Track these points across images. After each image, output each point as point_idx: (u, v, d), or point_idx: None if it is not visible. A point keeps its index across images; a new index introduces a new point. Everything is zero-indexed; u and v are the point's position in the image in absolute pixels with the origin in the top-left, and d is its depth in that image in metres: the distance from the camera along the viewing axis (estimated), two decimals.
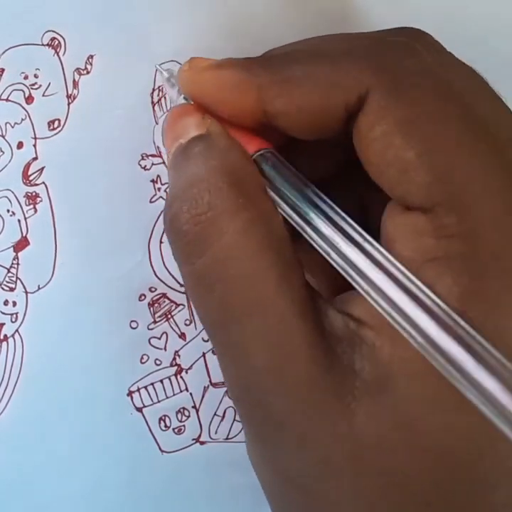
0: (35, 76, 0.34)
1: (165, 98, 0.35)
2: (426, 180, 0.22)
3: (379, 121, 0.23)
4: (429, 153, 0.22)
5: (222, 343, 0.25)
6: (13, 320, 0.35)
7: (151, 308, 0.35)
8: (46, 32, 0.34)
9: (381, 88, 0.23)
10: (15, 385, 0.35)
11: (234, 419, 0.35)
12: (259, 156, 0.26)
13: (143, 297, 0.35)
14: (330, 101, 0.24)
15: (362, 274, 0.22)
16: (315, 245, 0.24)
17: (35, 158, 0.35)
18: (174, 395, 0.35)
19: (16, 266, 0.35)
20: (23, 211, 0.35)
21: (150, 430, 0.35)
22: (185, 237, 0.24)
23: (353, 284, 0.23)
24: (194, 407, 0.35)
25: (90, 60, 0.34)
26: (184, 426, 0.35)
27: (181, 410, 0.35)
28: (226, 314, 0.24)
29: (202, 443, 0.35)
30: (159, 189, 0.35)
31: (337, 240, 0.23)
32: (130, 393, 0.35)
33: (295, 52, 0.26)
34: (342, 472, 0.22)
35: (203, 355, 0.35)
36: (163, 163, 0.35)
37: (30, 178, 0.35)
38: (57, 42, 0.34)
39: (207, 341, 0.35)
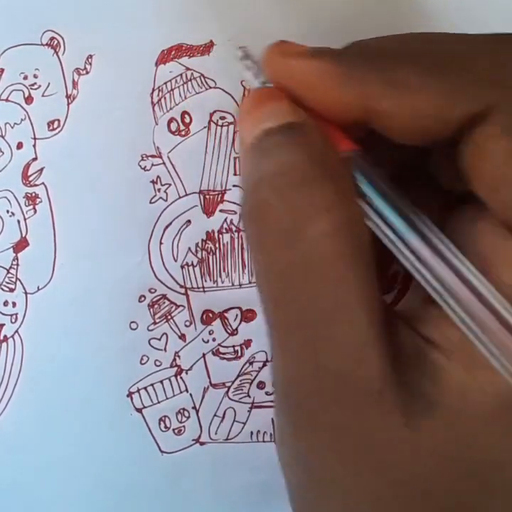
0: (35, 76, 0.34)
1: (165, 98, 0.35)
2: None
3: (505, 138, 0.22)
4: None
5: (289, 342, 0.24)
6: (13, 321, 0.35)
7: (151, 310, 0.35)
8: (45, 32, 0.34)
9: (509, 104, 0.22)
10: (15, 386, 0.35)
11: (234, 420, 0.35)
12: (348, 157, 0.24)
13: (143, 298, 0.35)
14: (449, 112, 0.22)
15: (458, 299, 0.21)
16: (401, 258, 0.23)
17: (35, 159, 0.35)
18: (174, 395, 0.35)
19: (15, 267, 0.35)
20: (22, 212, 0.35)
21: (150, 431, 0.35)
22: (274, 225, 0.23)
23: (444, 307, 0.22)
24: (194, 407, 0.35)
25: (89, 60, 0.34)
26: (184, 427, 0.35)
27: (181, 411, 0.35)
28: (301, 314, 0.23)
29: (202, 444, 0.35)
30: (159, 190, 0.35)
31: (432, 262, 0.22)
32: (130, 394, 0.35)
33: (404, 52, 0.24)
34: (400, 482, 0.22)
35: (203, 356, 0.35)
36: (163, 164, 0.35)
37: (30, 178, 0.35)
38: (56, 42, 0.34)
39: (207, 342, 0.35)
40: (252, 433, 0.35)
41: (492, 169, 0.22)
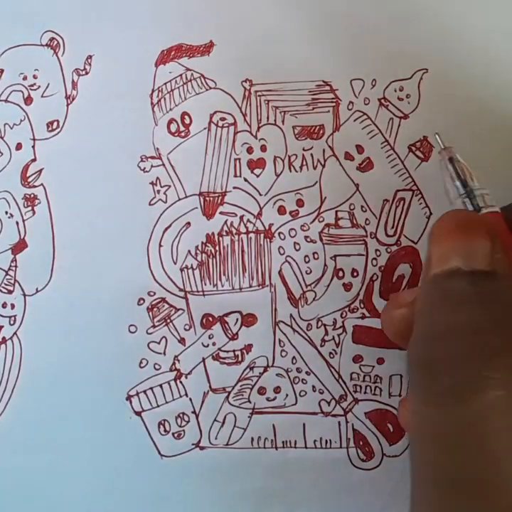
0: (34, 77, 0.34)
1: (165, 99, 0.34)
2: None
3: None
4: None
5: (459, 503, 0.22)
6: (12, 322, 0.35)
7: (150, 313, 0.35)
8: (45, 32, 0.34)
9: None
10: (13, 388, 0.35)
11: (234, 426, 0.35)
12: None
13: (142, 301, 0.35)
14: None
15: None
16: None
17: (34, 160, 0.35)
18: (173, 399, 0.35)
19: (13, 268, 0.35)
20: (21, 213, 0.35)
21: (149, 434, 0.35)
22: (447, 378, 0.22)
23: None
24: (194, 412, 0.35)
25: (89, 60, 0.34)
26: (184, 431, 0.35)
27: (181, 415, 0.35)
28: (477, 473, 0.22)
29: (202, 448, 0.35)
30: (158, 191, 0.35)
31: None
32: (129, 397, 0.35)
33: None
34: None
35: (203, 360, 0.35)
36: (163, 165, 0.35)
37: (29, 179, 0.35)
38: (56, 42, 0.34)
39: (207, 347, 0.35)
40: (252, 439, 0.34)
41: None
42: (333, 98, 0.34)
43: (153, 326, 0.35)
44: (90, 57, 0.34)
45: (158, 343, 0.35)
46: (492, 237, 0.24)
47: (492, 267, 0.23)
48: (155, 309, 0.35)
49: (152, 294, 0.35)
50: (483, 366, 0.22)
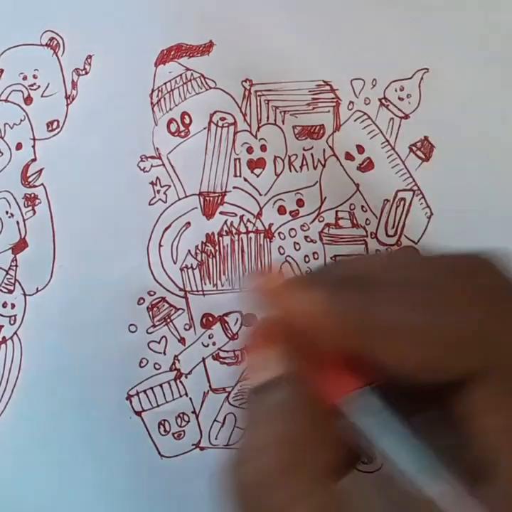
0: (34, 76, 0.34)
1: (164, 99, 0.34)
2: None
3: (493, 410, 0.22)
4: None
5: None
6: (12, 322, 0.35)
7: (150, 312, 0.35)
8: (45, 32, 0.34)
9: (497, 372, 0.22)
10: (13, 387, 0.35)
11: (234, 426, 0.35)
12: (356, 396, 0.23)
13: (142, 301, 0.35)
14: (446, 364, 0.23)
15: None
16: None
17: (34, 160, 0.35)
18: (174, 399, 0.35)
19: (14, 268, 0.35)
20: (21, 213, 0.35)
21: (149, 434, 0.35)
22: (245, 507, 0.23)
23: None
24: (194, 412, 0.35)
25: (89, 60, 0.34)
26: (184, 431, 0.35)
27: (181, 415, 0.35)
28: None
29: (202, 449, 0.35)
30: (158, 191, 0.35)
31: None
32: (129, 397, 0.35)
33: (393, 290, 0.24)
34: None
35: (203, 360, 0.35)
36: (163, 165, 0.35)
37: (29, 179, 0.35)
38: (55, 42, 0.34)
39: (207, 346, 0.35)
40: None
41: (485, 439, 0.22)
42: (333, 98, 0.34)
43: (154, 326, 0.35)
44: (90, 57, 0.34)
45: (158, 342, 0.35)
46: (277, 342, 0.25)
47: (281, 371, 0.25)
48: (155, 309, 0.35)
49: (152, 293, 0.35)
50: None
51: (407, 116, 0.34)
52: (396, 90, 0.34)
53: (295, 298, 0.24)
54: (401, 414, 0.23)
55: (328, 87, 0.34)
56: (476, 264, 0.25)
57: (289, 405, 0.24)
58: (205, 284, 0.35)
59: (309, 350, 0.24)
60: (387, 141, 0.34)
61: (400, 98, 0.34)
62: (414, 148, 0.34)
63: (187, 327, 0.35)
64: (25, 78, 0.34)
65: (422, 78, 0.34)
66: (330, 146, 0.34)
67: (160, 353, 0.35)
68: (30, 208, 0.35)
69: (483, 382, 0.22)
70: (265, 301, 0.25)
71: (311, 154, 0.34)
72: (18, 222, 0.35)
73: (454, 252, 0.25)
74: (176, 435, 0.35)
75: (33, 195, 0.35)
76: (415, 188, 0.34)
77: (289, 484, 0.22)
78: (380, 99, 0.34)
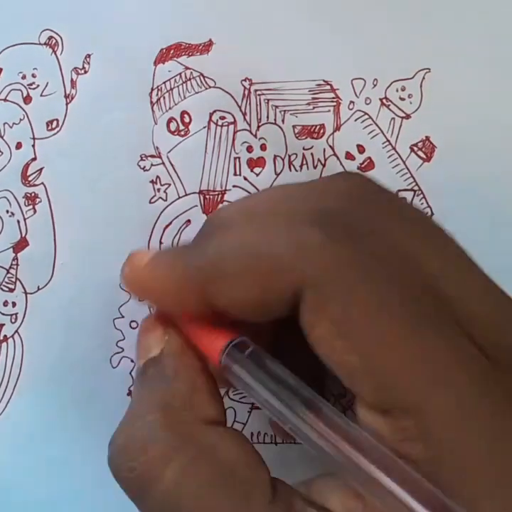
0: (33, 76, 0.34)
1: (164, 98, 0.34)
2: (373, 386, 0.21)
3: (317, 323, 0.22)
4: (372, 357, 0.21)
5: None
6: (13, 320, 0.35)
7: (152, 309, 0.35)
8: (43, 31, 0.34)
9: (312, 285, 0.22)
10: (15, 386, 0.35)
11: (234, 420, 0.35)
12: (232, 348, 0.24)
13: None
14: (267, 297, 0.23)
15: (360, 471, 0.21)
16: (297, 436, 0.23)
17: (34, 159, 0.35)
18: None
19: (15, 266, 0.35)
20: (22, 212, 0.35)
21: None
22: (123, 484, 0.24)
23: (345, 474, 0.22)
24: None
25: (88, 59, 0.34)
26: None
27: None
28: None
29: None
30: (159, 190, 0.35)
31: (332, 437, 0.22)
32: (130, 393, 0.35)
33: (229, 233, 0.25)
34: None
35: None
36: (163, 164, 0.35)
37: (29, 178, 0.35)
38: (54, 41, 0.34)
39: None
40: (252, 434, 0.35)
41: (322, 355, 0.22)
42: (333, 97, 0.34)
43: None
44: (89, 56, 0.34)
45: None
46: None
47: (159, 349, 0.26)
48: None
49: None
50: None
51: (408, 116, 0.34)
52: (397, 90, 0.34)
53: (140, 278, 0.26)
54: (273, 355, 0.24)
55: (328, 87, 0.34)
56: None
57: (160, 379, 0.25)
58: None
59: (178, 320, 0.26)
60: (388, 141, 0.34)
61: (401, 98, 0.34)
62: (415, 149, 0.34)
63: None
64: (24, 77, 0.34)
65: (423, 78, 0.33)
66: (330, 146, 0.34)
67: None
68: (31, 206, 0.35)
69: (302, 300, 0.22)
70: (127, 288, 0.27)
71: (311, 154, 0.34)
72: (18, 221, 0.35)
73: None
74: None
75: (33, 194, 0.35)
76: (416, 188, 0.34)
77: (160, 444, 0.23)
78: (381, 99, 0.34)
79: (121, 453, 0.24)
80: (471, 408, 0.21)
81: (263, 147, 0.34)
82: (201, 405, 0.25)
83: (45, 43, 0.34)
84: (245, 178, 0.35)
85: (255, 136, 0.34)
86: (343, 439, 0.21)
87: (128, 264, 0.27)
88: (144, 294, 0.27)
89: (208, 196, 0.35)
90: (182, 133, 0.35)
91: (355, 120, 0.34)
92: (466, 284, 0.23)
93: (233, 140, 0.34)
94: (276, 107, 0.34)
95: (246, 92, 0.34)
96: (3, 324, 0.35)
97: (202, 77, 0.34)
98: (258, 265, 0.23)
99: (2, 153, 0.35)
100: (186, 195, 0.35)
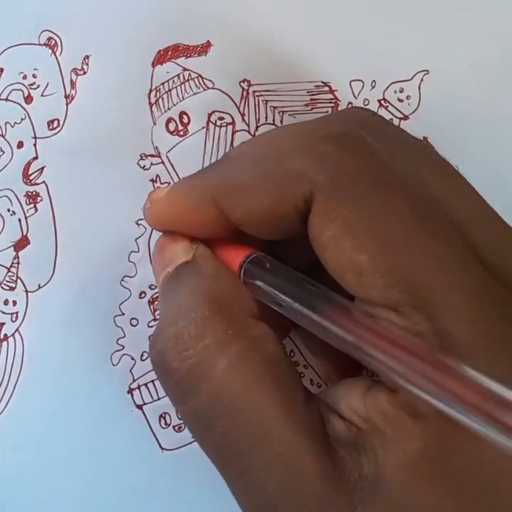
0: (34, 76, 0.34)
1: (162, 98, 0.34)
2: (383, 284, 0.21)
3: (327, 225, 0.22)
4: (382, 255, 0.22)
5: (231, 474, 0.24)
6: (14, 319, 0.35)
7: (152, 306, 0.35)
8: (43, 31, 0.34)
9: (324, 189, 0.23)
10: (15, 385, 0.35)
11: None
12: (250, 261, 0.25)
13: (143, 295, 0.35)
14: (279, 206, 0.24)
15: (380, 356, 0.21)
16: (315, 332, 0.23)
17: (36, 158, 0.35)
18: None
19: (16, 265, 0.35)
20: (23, 210, 0.35)
21: (150, 427, 0.35)
22: (174, 376, 0.24)
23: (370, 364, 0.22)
24: None
25: (86, 60, 0.34)
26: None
27: None
28: (231, 448, 0.23)
29: None
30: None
31: (344, 322, 0.22)
32: (130, 391, 0.35)
33: (243, 156, 0.26)
34: None
35: None
36: (162, 163, 0.35)
37: (31, 177, 0.35)
38: (53, 42, 0.34)
39: None
40: None
41: (330, 259, 0.23)
42: (331, 99, 0.34)
43: (155, 319, 0.35)
44: (87, 57, 0.34)
45: None
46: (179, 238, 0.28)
47: (191, 255, 0.27)
48: (156, 302, 0.35)
49: (153, 287, 0.35)
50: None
51: (406, 118, 0.34)
52: (395, 92, 0.34)
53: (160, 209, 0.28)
54: (290, 266, 0.25)
55: (326, 88, 0.34)
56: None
57: (201, 277, 0.26)
58: None
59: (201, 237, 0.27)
60: None
61: (399, 99, 0.34)
62: None
63: None
64: (25, 77, 0.34)
65: (422, 80, 0.33)
66: None
67: None
68: (32, 205, 0.35)
69: (313, 205, 0.23)
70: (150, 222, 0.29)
71: None
72: (19, 220, 0.35)
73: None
74: (176, 428, 0.35)
75: (34, 193, 0.35)
76: None
77: (216, 334, 0.23)
78: (379, 100, 0.34)
79: (174, 343, 0.24)
80: (482, 313, 0.21)
81: None
82: (248, 300, 0.25)
83: (44, 44, 0.34)
84: None
85: (254, 136, 0.34)
86: (366, 331, 0.21)
87: (148, 201, 0.29)
88: (165, 223, 0.28)
89: None
90: (181, 133, 0.35)
91: None
92: (474, 211, 0.24)
93: (232, 140, 0.34)
94: (275, 107, 0.34)
95: (244, 93, 0.34)
96: (4, 323, 0.35)
97: (200, 78, 0.34)
98: (272, 174, 0.24)
99: (4, 152, 0.35)
100: None
